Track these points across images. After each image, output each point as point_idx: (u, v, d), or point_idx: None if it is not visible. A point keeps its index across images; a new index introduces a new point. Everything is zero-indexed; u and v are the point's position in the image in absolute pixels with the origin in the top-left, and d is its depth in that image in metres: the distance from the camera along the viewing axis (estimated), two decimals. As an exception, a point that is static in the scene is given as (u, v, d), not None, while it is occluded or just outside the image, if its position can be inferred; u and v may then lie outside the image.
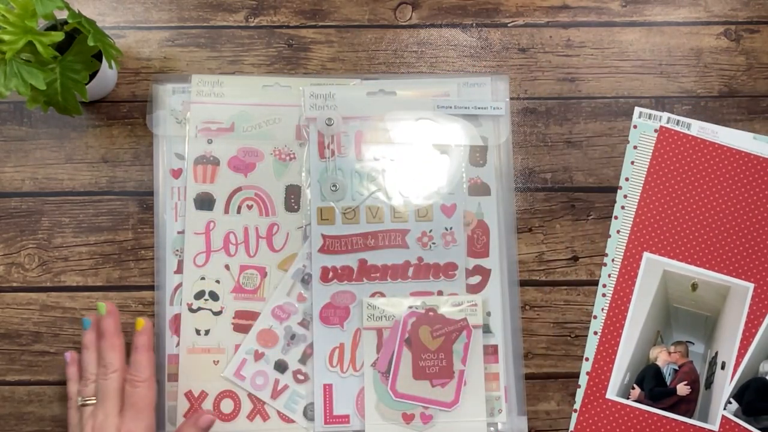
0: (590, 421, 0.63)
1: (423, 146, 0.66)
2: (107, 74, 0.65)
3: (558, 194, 0.67)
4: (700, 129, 0.68)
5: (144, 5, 0.70)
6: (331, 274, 0.64)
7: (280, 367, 0.63)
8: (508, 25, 0.70)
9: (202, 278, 0.64)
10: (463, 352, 0.63)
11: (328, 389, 0.62)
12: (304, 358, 0.63)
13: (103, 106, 0.68)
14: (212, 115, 0.66)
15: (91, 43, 0.57)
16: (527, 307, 0.66)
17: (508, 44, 0.70)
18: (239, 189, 0.65)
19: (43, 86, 0.56)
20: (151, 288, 0.65)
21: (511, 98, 0.69)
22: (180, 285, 0.64)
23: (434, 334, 0.63)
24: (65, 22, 0.58)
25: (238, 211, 0.65)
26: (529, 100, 0.69)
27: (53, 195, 0.67)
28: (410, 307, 0.64)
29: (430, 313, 0.63)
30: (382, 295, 0.64)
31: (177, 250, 0.64)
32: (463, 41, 0.70)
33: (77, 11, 0.58)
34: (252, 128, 0.66)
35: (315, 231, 0.64)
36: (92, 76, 0.63)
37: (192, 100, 0.66)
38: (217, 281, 0.64)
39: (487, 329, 0.64)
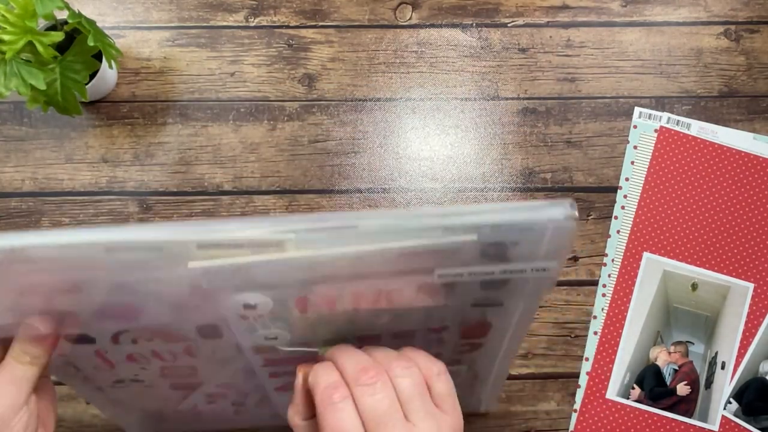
0: (590, 421, 0.63)
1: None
2: (107, 74, 0.65)
3: (558, 194, 0.67)
4: (700, 129, 0.68)
5: (144, 5, 0.70)
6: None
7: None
8: (508, 25, 0.70)
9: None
10: None
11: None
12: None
13: (103, 106, 0.68)
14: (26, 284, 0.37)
15: (91, 43, 0.57)
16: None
17: (508, 44, 0.70)
18: (124, 331, 0.42)
19: (43, 86, 0.56)
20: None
21: (511, 98, 0.69)
22: None
23: None
24: (65, 22, 0.58)
25: (135, 342, 0.43)
26: (529, 100, 0.69)
27: (53, 195, 0.67)
28: None
29: None
30: None
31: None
32: (463, 41, 0.70)
33: (77, 11, 0.58)
34: (107, 290, 0.38)
35: (254, 360, 0.46)
36: (92, 76, 0.63)
37: None
38: (136, 374, 0.48)
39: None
